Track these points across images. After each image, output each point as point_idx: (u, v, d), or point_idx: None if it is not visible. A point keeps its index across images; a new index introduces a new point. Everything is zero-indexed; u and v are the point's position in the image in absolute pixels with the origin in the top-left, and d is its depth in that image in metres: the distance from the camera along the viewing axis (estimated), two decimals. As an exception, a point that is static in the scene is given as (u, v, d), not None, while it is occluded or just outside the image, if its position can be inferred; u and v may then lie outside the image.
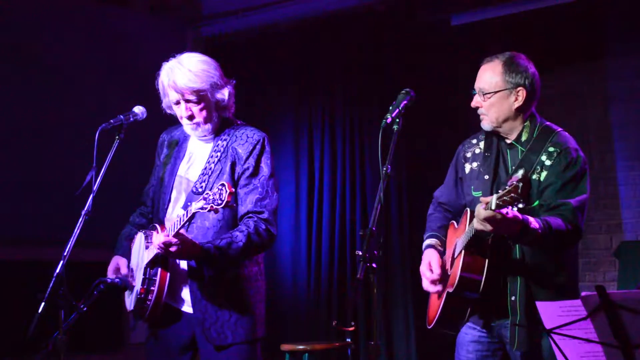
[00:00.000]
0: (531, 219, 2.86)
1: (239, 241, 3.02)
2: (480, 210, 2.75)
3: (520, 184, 2.63)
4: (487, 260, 2.94)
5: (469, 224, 2.96)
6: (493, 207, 2.68)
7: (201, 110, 3.15)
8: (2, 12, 5.61)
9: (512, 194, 2.63)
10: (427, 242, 3.28)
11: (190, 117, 3.16)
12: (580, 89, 6.53)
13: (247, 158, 3.15)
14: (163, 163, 3.33)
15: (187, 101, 3.13)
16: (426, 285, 3.16)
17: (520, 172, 2.80)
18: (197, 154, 3.26)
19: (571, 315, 2.29)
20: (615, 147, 6.38)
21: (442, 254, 3.22)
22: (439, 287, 3.11)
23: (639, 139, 6.32)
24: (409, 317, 6.31)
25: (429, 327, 3.21)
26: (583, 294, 2.24)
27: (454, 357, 3.24)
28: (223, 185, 2.79)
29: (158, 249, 2.92)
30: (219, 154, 3.18)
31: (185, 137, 3.33)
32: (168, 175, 3.26)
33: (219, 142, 3.21)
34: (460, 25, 6.26)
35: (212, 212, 2.82)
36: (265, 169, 3.17)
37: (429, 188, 3.55)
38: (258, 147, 3.17)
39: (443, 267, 3.15)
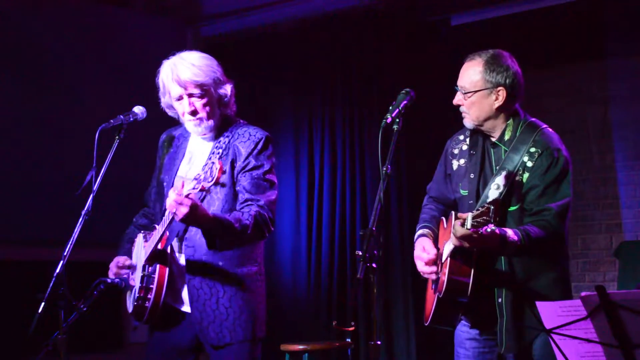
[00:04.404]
0: (509, 231, 2.88)
1: (246, 219, 3.00)
2: (457, 228, 2.78)
3: (492, 207, 2.66)
4: (473, 268, 2.95)
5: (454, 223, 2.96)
6: (469, 227, 2.71)
7: (204, 105, 3.13)
8: (2, 12, 5.61)
9: (484, 217, 2.67)
10: (419, 232, 3.28)
11: (194, 113, 3.13)
12: (580, 89, 6.53)
13: (248, 156, 3.13)
14: (162, 164, 3.32)
15: (190, 96, 3.11)
16: (421, 267, 3.13)
17: (499, 183, 2.86)
18: (197, 153, 3.24)
19: (571, 315, 2.29)
20: (615, 147, 6.38)
21: (434, 244, 3.22)
22: (434, 268, 3.10)
23: (639, 139, 6.32)
24: (409, 317, 6.31)
25: (426, 324, 3.22)
26: (583, 294, 2.24)
27: (454, 355, 3.24)
28: (213, 162, 2.76)
29: (170, 208, 2.84)
30: (220, 150, 3.16)
31: (185, 137, 3.30)
32: (168, 177, 3.24)
33: (221, 139, 3.19)
34: (460, 25, 6.26)
35: (204, 192, 2.79)
36: (264, 165, 3.15)
37: (429, 188, 3.55)
38: (260, 145, 3.15)
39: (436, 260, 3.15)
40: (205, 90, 3.12)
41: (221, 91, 3.17)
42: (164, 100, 3.22)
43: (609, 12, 5.99)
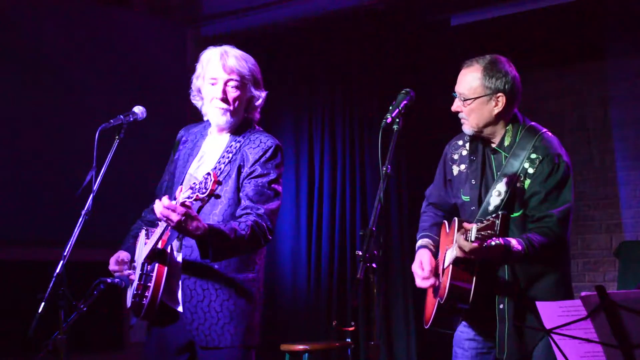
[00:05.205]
0: (513, 241, 2.87)
1: (242, 229, 2.99)
2: (461, 241, 2.78)
3: (498, 221, 2.66)
4: (474, 275, 2.95)
5: (457, 234, 2.96)
6: (472, 239, 2.72)
7: (235, 99, 3.16)
8: (2, 12, 5.61)
9: (489, 230, 2.68)
10: (419, 242, 3.28)
11: (224, 100, 3.15)
12: (580, 89, 6.53)
13: (255, 162, 3.13)
14: (177, 158, 3.32)
15: (227, 83, 3.15)
16: (419, 282, 3.16)
17: (500, 189, 2.91)
18: (209, 153, 3.24)
19: (571, 315, 2.29)
20: (615, 147, 6.38)
21: (434, 254, 3.22)
22: (432, 281, 3.11)
23: (639, 139, 6.32)
24: (409, 317, 6.31)
25: (426, 327, 3.22)
26: (583, 294, 2.24)
27: (452, 355, 3.24)
28: (209, 174, 2.77)
29: (161, 215, 2.85)
30: (230, 155, 3.16)
31: (202, 135, 3.31)
32: (179, 173, 3.25)
33: (233, 142, 3.20)
34: (460, 25, 6.26)
35: (199, 202, 2.79)
36: (271, 174, 3.14)
37: (429, 188, 3.55)
38: (268, 153, 3.15)
39: (435, 268, 3.15)
40: (243, 84, 3.17)
41: (255, 92, 3.22)
42: (196, 83, 3.24)
43: (609, 12, 6.00)
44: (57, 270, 2.96)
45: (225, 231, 2.95)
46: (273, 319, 6.21)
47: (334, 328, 5.92)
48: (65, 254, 3.00)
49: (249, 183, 3.12)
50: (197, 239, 2.95)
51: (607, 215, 6.38)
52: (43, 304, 2.92)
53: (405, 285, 6.32)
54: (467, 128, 3.11)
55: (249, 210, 3.07)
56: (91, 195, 3.09)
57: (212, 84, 3.18)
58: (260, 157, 3.14)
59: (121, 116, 3.26)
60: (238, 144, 3.19)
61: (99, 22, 6.07)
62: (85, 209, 3.08)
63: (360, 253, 2.66)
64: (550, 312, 2.33)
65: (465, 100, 3.06)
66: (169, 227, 2.96)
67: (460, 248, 2.82)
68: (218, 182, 2.76)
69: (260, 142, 3.18)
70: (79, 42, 5.91)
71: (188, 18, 6.75)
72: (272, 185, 3.14)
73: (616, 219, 6.36)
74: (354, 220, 6.58)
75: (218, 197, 2.85)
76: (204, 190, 2.76)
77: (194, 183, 2.81)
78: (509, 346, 3.01)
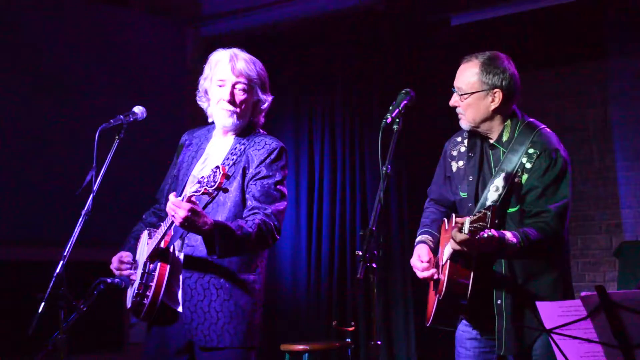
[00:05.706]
0: (508, 234, 2.87)
1: (249, 227, 2.99)
2: (456, 234, 2.79)
3: (489, 213, 2.67)
4: (472, 270, 2.95)
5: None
6: (466, 232, 2.72)
7: (242, 102, 3.19)
8: (2, 12, 5.61)
9: (481, 222, 2.68)
10: (418, 238, 3.29)
11: (231, 102, 3.17)
12: (580, 89, 6.53)
13: (260, 164, 3.14)
14: (180, 162, 3.32)
15: (235, 85, 3.17)
16: (419, 274, 3.16)
17: (498, 185, 2.91)
18: (214, 155, 3.25)
19: (571, 315, 2.29)
20: (615, 147, 6.39)
21: (433, 250, 3.22)
22: (432, 271, 3.11)
23: (639, 139, 6.32)
24: (409, 317, 6.31)
25: (427, 325, 3.22)
26: (583, 294, 2.24)
27: (454, 355, 3.24)
28: (217, 167, 2.76)
29: (169, 211, 2.85)
30: (235, 156, 3.17)
31: (207, 138, 3.32)
32: (183, 175, 3.25)
33: (238, 145, 3.21)
34: (460, 25, 6.26)
35: (207, 196, 2.79)
36: (276, 175, 3.15)
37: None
38: (273, 155, 3.17)
39: (435, 264, 3.15)
40: (250, 87, 3.20)
41: (262, 96, 3.25)
42: (203, 85, 3.25)
43: (609, 12, 6.00)
44: (57, 270, 2.96)
45: (231, 227, 2.95)
46: (273, 318, 6.22)
47: (334, 328, 5.92)
48: (65, 254, 3.01)
49: (255, 184, 3.12)
50: (203, 234, 2.94)
51: (607, 215, 6.38)
52: (43, 304, 2.92)
53: (405, 285, 6.32)
54: (464, 123, 3.13)
55: (256, 210, 3.07)
56: (91, 195, 3.10)
57: (220, 86, 3.19)
58: (265, 158, 3.15)
59: (121, 116, 3.26)
60: (243, 146, 3.20)
61: (99, 22, 6.07)
62: (85, 209, 3.09)
63: (360, 253, 2.67)
64: (550, 312, 2.34)
65: (462, 94, 3.08)
66: (174, 226, 2.96)
67: (455, 241, 2.82)
68: (227, 176, 2.76)
69: (265, 144, 3.19)
70: (79, 42, 5.92)
71: (188, 18, 6.75)
72: (278, 187, 3.15)
73: (616, 219, 6.36)
74: (354, 220, 6.57)
75: (226, 191, 2.86)
76: (212, 184, 2.75)
77: (202, 177, 2.80)
78: (507, 342, 3.01)
